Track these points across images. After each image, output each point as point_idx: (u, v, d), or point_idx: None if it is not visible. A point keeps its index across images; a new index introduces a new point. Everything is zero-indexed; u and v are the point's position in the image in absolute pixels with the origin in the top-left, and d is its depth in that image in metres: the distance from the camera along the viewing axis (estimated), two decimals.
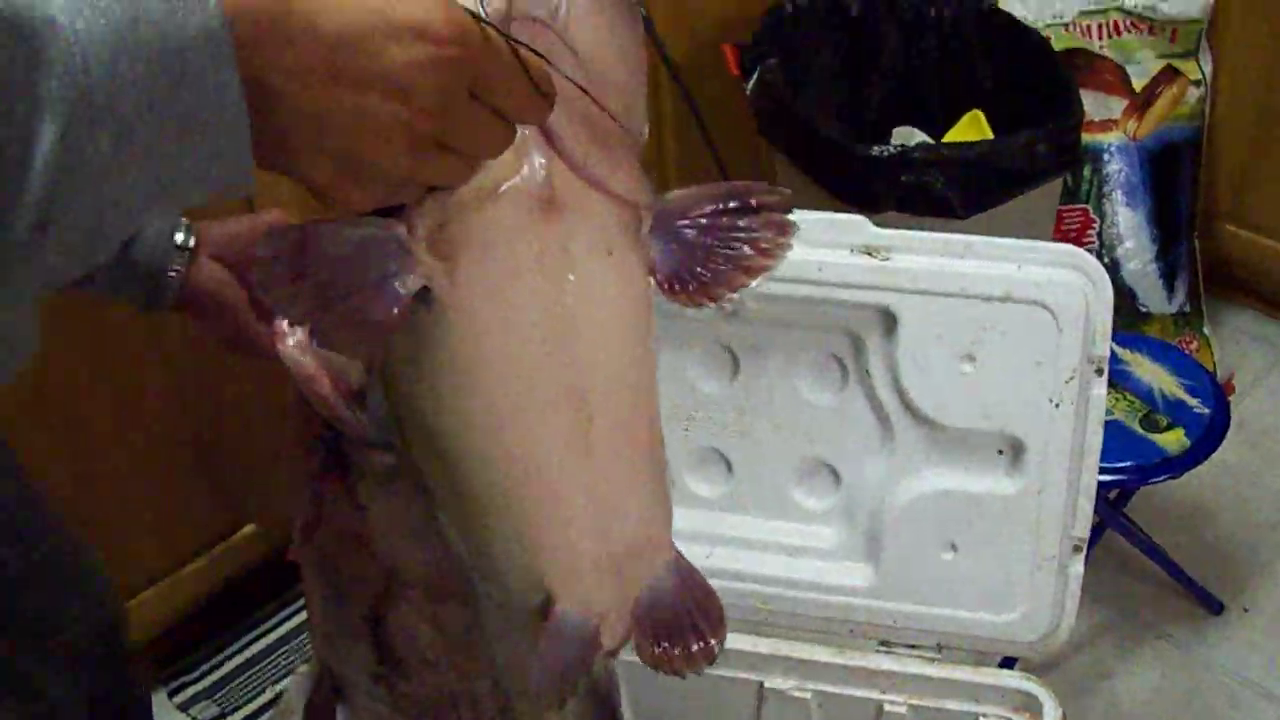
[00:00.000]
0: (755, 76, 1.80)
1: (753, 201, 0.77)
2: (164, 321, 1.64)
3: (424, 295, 0.70)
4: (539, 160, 0.70)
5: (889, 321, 1.17)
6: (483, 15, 0.63)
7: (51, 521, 1.11)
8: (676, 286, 0.76)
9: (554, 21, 0.68)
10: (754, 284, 0.77)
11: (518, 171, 0.69)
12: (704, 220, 0.76)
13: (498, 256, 0.70)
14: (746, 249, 0.77)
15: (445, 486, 0.79)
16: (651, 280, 0.77)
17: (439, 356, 0.73)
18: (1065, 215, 2.18)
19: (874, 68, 2.03)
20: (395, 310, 0.68)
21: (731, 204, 0.77)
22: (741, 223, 0.77)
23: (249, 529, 1.84)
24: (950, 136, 1.97)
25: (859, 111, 2.03)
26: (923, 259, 1.16)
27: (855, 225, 1.18)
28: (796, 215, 1.18)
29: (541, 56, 0.65)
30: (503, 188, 0.69)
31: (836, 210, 1.21)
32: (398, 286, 0.68)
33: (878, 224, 1.18)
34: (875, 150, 1.55)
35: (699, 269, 0.76)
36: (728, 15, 2.08)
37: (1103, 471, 1.59)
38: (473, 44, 0.60)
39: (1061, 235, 2.18)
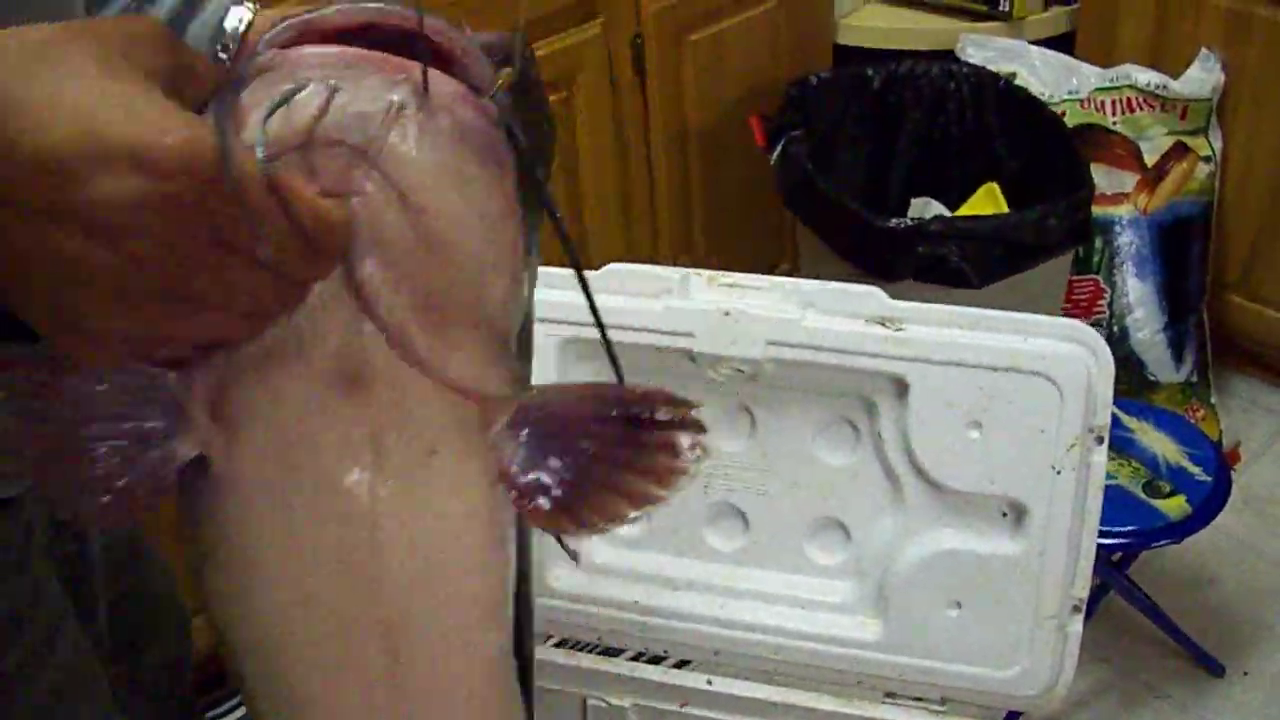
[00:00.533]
0: (780, 148, 1.88)
1: (652, 415, 0.62)
2: None
3: (203, 461, 0.58)
4: (344, 325, 0.56)
5: (900, 388, 1.23)
6: (252, 138, 0.50)
7: (145, 550, 1.12)
8: (536, 505, 0.61)
9: (374, 152, 0.54)
10: (634, 515, 0.62)
11: (316, 336, 0.56)
12: (585, 428, 0.62)
13: (284, 436, 0.57)
14: (633, 475, 0.61)
15: (235, 677, 0.64)
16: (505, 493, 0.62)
17: (213, 536, 0.60)
18: (1076, 286, 2.25)
19: (895, 140, 2.10)
20: (153, 479, 0.56)
21: (624, 413, 0.62)
22: (633, 437, 0.61)
23: None
24: (966, 208, 2.04)
25: (880, 181, 2.10)
26: (933, 330, 1.22)
27: (870, 297, 1.25)
28: (813, 286, 1.25)
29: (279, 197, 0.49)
30: (294, 353, 0.55)
31: (856, 279, 1.28)
32: (162, 450, 0.56)
33: (895, 293, 1.25)
34: (893, 223, 1.63)
35: (569, 489, 0.61)
36: (757, 85, 2.16)
37: (1105, 535, 1.66)
38: (202, 178, 0.47)
39: (1072, 305, 2.25)
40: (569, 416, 0.62)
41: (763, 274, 1.32)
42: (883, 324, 1.24)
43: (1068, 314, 2.21)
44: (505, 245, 0.59)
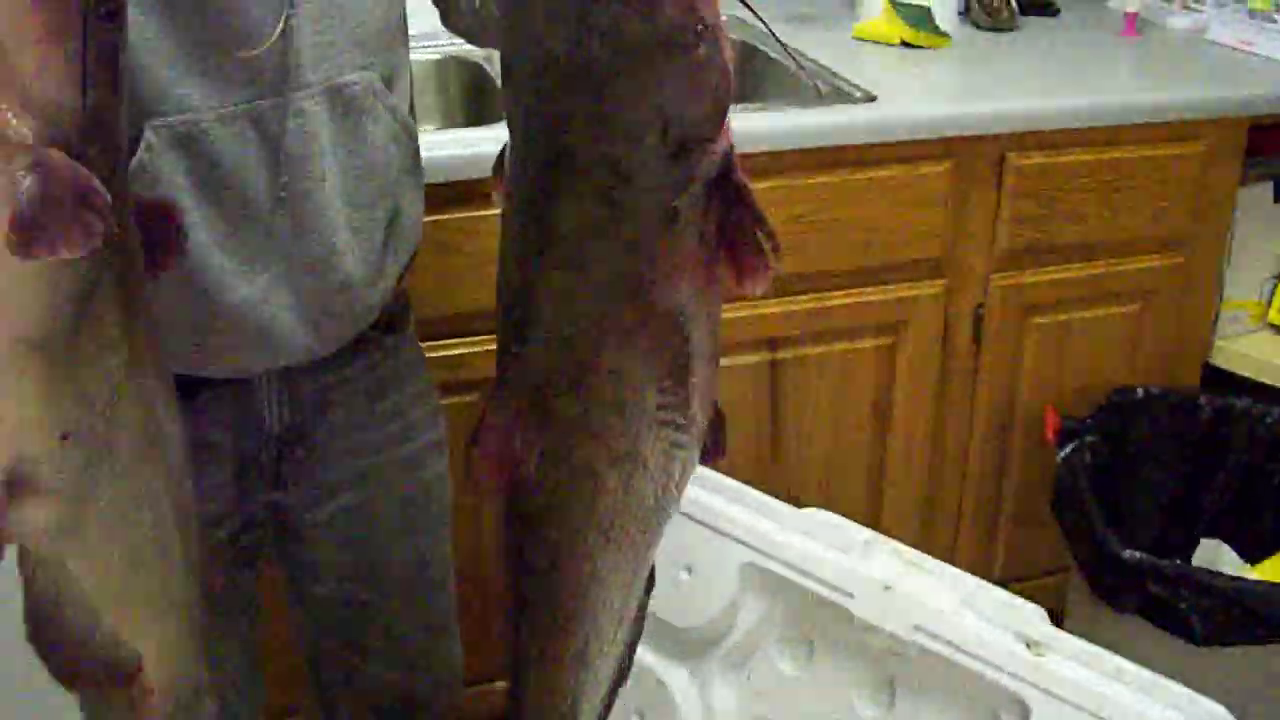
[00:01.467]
0: (1070, 448, 1.88)
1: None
2: None
3: None
4: None
5: (1024, 712, 1.23)
6: None
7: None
8: None
9: None
10: None
11: None
12: None
13: None
14: None
15: None
16: None
17: None
18: None
19: (1211, 474, 2.04)
20: None
21: None
22: None
23: None
24: (1266, 565, 1.95)
25: (1181, 511, 2.04)
26: (1072, 668, 1.22)
27: (1028, 614, 1.27)
28: (982, 587, 1.28)
29: None
30: None
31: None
32: None
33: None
34: (1126, 554, 1.60)
35: None
36: (1100, 384, 2.11)
37: None
38: None
39: None
40: None
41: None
42: (1028, 645, 1.25)
43: None
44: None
